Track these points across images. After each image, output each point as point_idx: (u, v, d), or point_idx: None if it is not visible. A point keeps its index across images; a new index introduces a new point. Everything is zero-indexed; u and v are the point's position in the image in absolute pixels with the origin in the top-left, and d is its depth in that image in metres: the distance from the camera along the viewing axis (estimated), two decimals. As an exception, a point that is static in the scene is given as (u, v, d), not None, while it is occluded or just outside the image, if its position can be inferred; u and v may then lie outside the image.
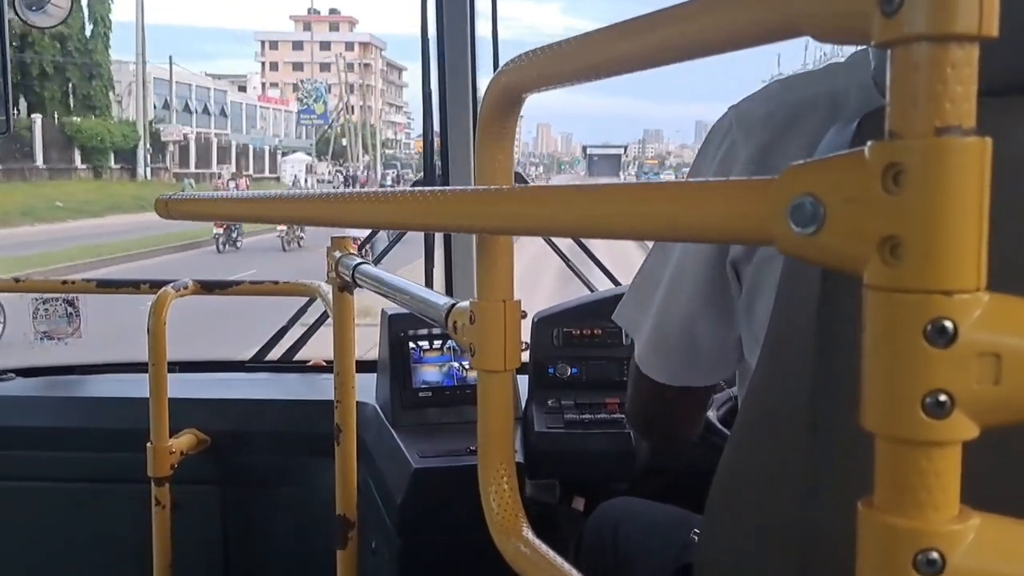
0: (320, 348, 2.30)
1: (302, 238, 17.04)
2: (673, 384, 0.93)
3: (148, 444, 1.75)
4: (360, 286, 1.20)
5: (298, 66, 64.71)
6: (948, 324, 0.30)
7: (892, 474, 0.31)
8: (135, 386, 1.97)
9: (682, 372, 0.91)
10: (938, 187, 0.30)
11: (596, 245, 2.30)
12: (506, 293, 0.68)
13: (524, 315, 0.71)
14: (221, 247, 17.01)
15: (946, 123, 0.31)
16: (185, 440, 1.82)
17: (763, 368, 0.67)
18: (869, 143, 0.33)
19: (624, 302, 0.96)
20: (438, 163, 2.23)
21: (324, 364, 2.27)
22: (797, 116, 0.75)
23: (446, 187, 0.63)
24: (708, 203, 0.40)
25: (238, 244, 17.50)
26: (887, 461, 0.31)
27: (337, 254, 1.31)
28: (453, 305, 0.76)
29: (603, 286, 2.17)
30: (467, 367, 1.78)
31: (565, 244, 2.26)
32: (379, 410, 1.77)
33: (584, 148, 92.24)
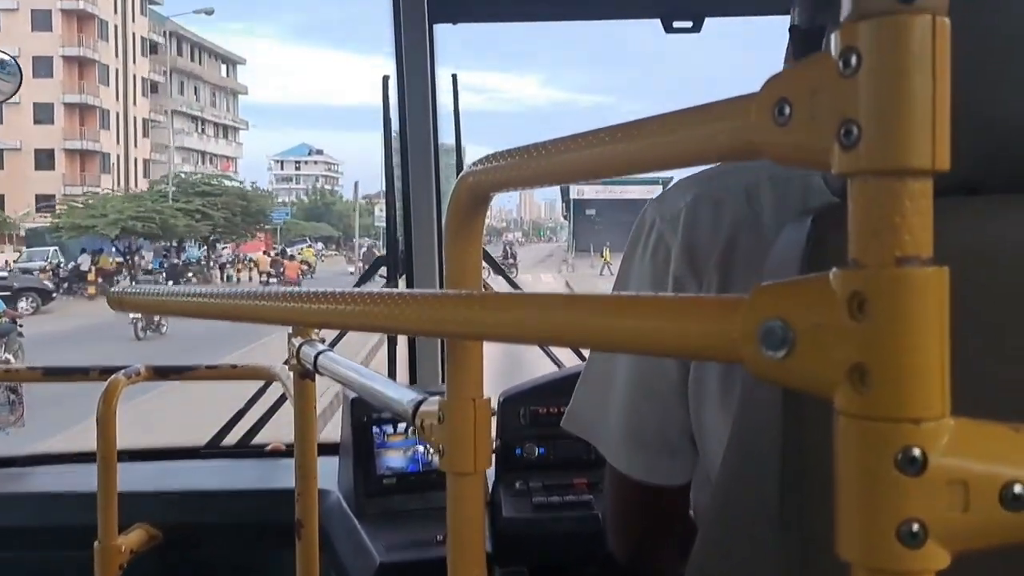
0: (277, 431, 2.25)
1: (163, 324, 14.67)
2: (656, 482, 0.88)
3: (95, 543, 1.67)
4: (322, 374, 1.18)
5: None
6: (917, 452, 0.31)
7: (871, 604, 0.31)
8: (80, 478, 1.89)
9: (663, 468, 0.88)
10: (901, 317, 0.31)
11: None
12: (476, 391, 0.68)
13: (494, 413, 0.71)
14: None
15: (905, 253, 0.32)
16: (135, 537, 1.74)
17: (729, 472, 0.67)
18: (833, 270, 0.34)
19: (576, 408, 0.92)
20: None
21: (283, 448, 2.22)
22: (718, 207, 0.80)
23: (413, 291, 0.63)
24: (678, 319, 0.41)
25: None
26: None
27: (297, 341, 1.29)
28: (420, 402, 0.75)
29: (571, 362, 2.16)
30: (433, 452, 1.75)
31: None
32: (342, 499, 1.73)
33: (566, 199, 45.23)
